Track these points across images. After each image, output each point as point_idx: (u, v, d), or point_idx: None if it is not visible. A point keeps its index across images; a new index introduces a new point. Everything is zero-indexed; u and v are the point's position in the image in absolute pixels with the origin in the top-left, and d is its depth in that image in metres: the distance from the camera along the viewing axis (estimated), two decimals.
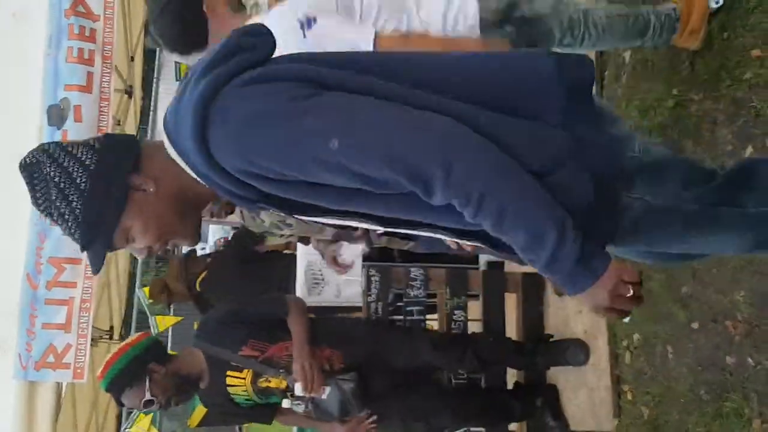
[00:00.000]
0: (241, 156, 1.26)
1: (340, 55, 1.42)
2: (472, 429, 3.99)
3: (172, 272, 4.59)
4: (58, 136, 3.23)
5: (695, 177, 1.66)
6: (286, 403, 3.19)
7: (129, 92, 5.19)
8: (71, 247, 3.20)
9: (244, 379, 3.16)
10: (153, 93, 6.27)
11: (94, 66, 3.35)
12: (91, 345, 3.48)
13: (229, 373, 3.14)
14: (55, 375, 3.09)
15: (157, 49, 6.33)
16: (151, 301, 5.82)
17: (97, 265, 1.44)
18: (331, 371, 3.14)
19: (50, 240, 3.15)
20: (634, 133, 1.67)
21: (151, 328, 6.78)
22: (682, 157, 1.71)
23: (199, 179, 1.35)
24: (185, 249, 5.42)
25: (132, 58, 5.46)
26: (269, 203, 1.36)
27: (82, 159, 1.36)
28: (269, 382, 3.16)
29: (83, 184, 1.35)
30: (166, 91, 6.15)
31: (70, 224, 1.37)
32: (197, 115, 1.26)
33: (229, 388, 3.15)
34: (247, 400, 3.19)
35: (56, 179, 1.34)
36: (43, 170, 1.35)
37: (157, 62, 6.39)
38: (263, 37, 1.38)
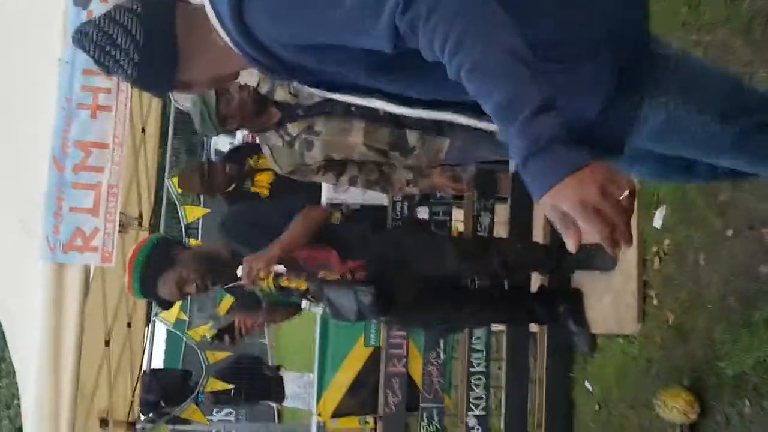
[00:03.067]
0: (271, 24, 1.31)
1: None
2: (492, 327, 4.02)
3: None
4: (83, 17, 3.14)
5: (738, 103, 1.53)
6: (304, 305, 3.22)
7: None
8: (98, 132, 3.18)
9: (266, 275, 3.18)
10: None
11: None
12: (120, 231, 3.50)
13: None
14: (83, 258, 3.10)
15: None
16: (180, 191, 5.84)
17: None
18: (352, 280, 3.13)
19: (76, 123, 3.11)
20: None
21: (180, 218, 6.85)
22: (730, 77, 1.59)
23: (230, 44, 1.38)
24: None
25: None
26: (294, 75, 1.42)
27: (129, 28, 1.43)
28: (290, 282, 3.17)
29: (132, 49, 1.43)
30: None
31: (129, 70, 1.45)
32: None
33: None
34: (266, 295, 3.22)
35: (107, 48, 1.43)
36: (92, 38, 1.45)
37: None
38: None
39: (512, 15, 1.17)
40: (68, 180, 3.08)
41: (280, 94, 3.09)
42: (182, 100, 5.55)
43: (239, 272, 3.02)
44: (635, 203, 1.07)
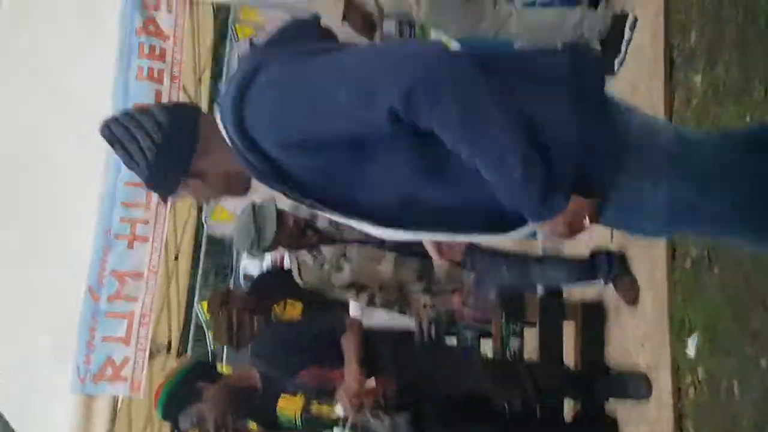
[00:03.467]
0: (266, 126, 1.40)
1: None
2: None
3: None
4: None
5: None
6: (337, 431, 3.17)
7: None
8: (134, 261, 3.27)
9: (296, 403, 3.15)
10: None
11: (163, 84, 3.44)
12: (149, 358, 3.53)
13: (283, 395, 3.13)
14: (112, 388, 3.13)
15: (224, 67, 6.48)
16: (208, 316, 5.89)
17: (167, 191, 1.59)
18: (386, 403, 3.09)
19: (114, 254, 3.22)
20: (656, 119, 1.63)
21: (208, 342, 6.85)
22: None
23: (235, 153, 1.45)
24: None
25: (200, 79, 5.59)
26: (285, 186, 1.46)
27: (152, 135, 1.49)
28: (321, 407, 3.14)
29: (153, 141, 1.48)
30: None
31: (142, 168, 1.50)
32: (238, 90, 1.39)
33: (278, 409, 3.14)
34: (290, 422, 3.18)
35: (130, 147, 1.48)
36: (116, 133, 1.50)
37: (223, 81, 6.59)
38: (302, 28, 1.57)
39: None
40: (102, 309, 3.15)
41: (323, 224, 3.16)
42: (213, 226, 5.69)
43: (340, 411, 3.01)
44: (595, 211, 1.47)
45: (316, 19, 1.59)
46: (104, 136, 1.52)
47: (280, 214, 3.10)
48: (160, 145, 1.47)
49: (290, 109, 1.37)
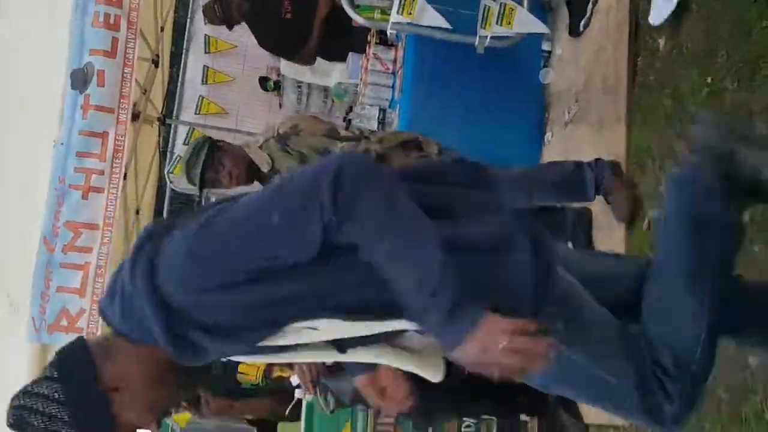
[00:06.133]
0: (192, 283, 1.26)
1: None
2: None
3: None
4: (80, 100, 3.23)
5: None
6: (299, 393, 3.19)
7: (156, 62, 5.18)
8: (89, 213, 3.21)
9: (256, 367, 3.15)
10: (182, 63, 6.33)
11: (120, 31, 3.34)
12: None
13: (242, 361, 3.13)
14: (68, 339, 3.08)
15: (188, 20, 6.34)
16: None
17: None
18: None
19: (68, 204, 3.16)
20: None
21: None
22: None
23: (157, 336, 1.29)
24: None
25: (162, 29, 5.45)
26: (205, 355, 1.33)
27: (51, 395, 1.34)
28: (284, 372, 3.15)
29: (67, 417, 1.34)
30: (195, 63, 6.20)
31: None
32: (148, 283, 1.25)
33: (239, 375, 3.13)
34: (252, 385, 3.19)
35: (44, 425, 1.34)
36: (30, 423, 1.34)
37: (186, 34, 6.44)
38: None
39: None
40: (57, 260, 3.11)
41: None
42: (176, 180, 5.62)
43: (294, 380, 2.99)
44: (526, 337, 1.22)
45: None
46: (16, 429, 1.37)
47: (215, 152, 2.75)
48: (65, 404, 1.33)
49: (226, 249, 1.25)
